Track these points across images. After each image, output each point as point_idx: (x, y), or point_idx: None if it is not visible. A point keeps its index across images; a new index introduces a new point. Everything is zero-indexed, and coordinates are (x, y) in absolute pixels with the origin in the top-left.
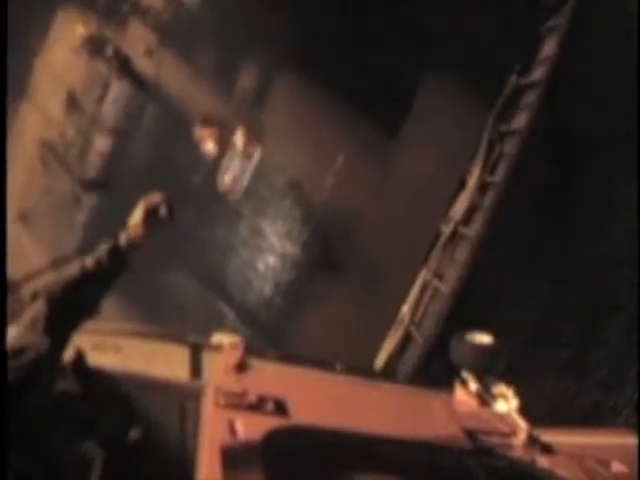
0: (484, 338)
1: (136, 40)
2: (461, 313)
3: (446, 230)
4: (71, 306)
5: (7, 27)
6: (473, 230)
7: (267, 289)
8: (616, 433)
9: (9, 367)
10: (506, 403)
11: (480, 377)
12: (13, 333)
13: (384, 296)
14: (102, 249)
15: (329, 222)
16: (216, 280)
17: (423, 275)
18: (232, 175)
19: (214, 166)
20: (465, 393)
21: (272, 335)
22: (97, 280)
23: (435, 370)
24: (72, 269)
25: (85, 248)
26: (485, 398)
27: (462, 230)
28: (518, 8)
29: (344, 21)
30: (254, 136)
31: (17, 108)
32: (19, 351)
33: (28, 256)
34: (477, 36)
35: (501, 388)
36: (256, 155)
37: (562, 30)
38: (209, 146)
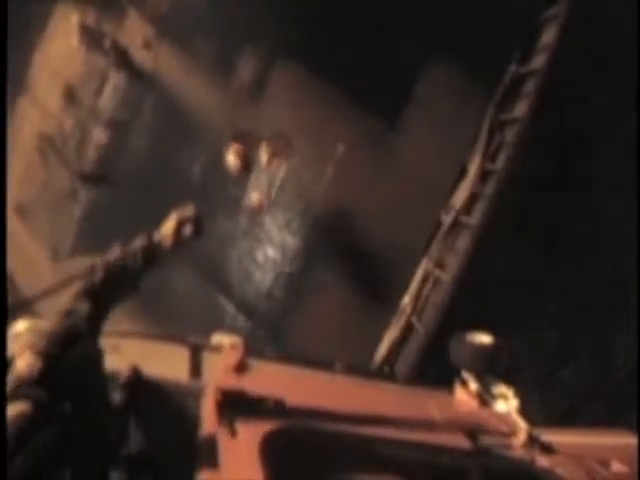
0: (484, 338)
1: (134, 32)
2: (462, 303)
3: (447, 219)
4: (111, 283)
5: (7, 21)
6: (474, 219)
7: (267, 281)
8: (616, 433)
9: (61, 322)
10: (506, 403)
11: (480, 377)
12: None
13: (385, 286)
14: (137, 244)
15: (329, 212)
16: (215, 272)
17: (424, 265)
18: (258, 192)
19: (239, 184)
20: (465, 393)
21: (272, 327)
22: (130, 269)
23: (435, 363)
24: (114, 254)
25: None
26: (485, 398)
27: (463, 219)
28: None
29: (343, 10)
30: (280, 150)
31: (15, 101)
32: (68, 313)
33: (27, 251)
34: (477, 24)
35: (501, 388)
36: (282, 170)
37: (561, 19)
38: (234, 163)
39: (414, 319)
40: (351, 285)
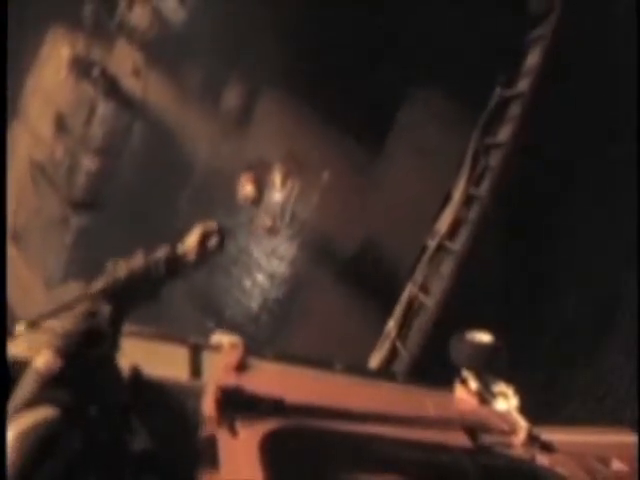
0: (484, 337)
1: (123, 60)
2: (446, 328)
3: (432, 244)
4: (131, 289)
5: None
6: (458, 244)
7: (254, 306)
8: (616, 431)
9: (82, 322)
10: (506, 401)
11: (480, 376)
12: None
13: (371, 310)
14: (161, 254)
15: (316, 239)
16: (204, 297)
17: (409, 289)
18: (272, 215)
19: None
20: (465, 392)
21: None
22: (152, 278)
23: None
24: (137, 261)
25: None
26: (485, 397)
27: (447, 244)
28: (503, 19)
29: (327, 39)
30: (292, 170)
31: (9, 127)
32: (89, 314)
33: (20, 276)
34: (461, 49)
35: (501, 387)
36: (296, 191)
37: (546, 41)
38: (248, 189)
39: (398, 343)
40: (337, 309)
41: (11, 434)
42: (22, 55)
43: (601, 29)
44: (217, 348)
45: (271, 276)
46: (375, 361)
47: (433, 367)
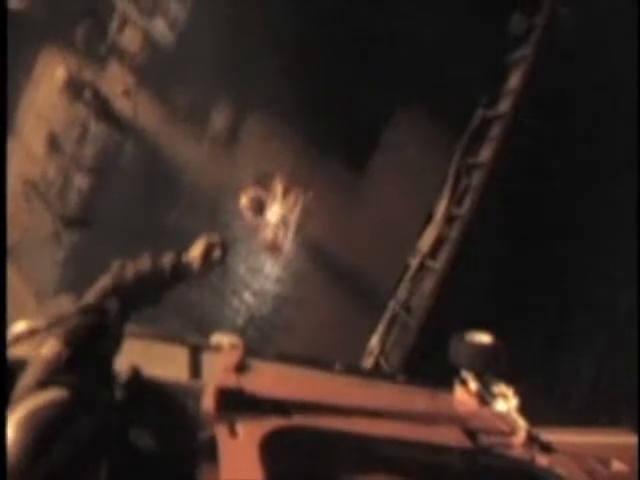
0: (484, 337)
1: (114, 81)
2: (427, 345)
3: (414, 263)
4: (137, 290)
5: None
6: (439, 263)
7: (240, 321)
8: (616, 432)
9: (89, 316)
10: (506, 402)
11: (480, 376)
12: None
13: (355, 327)
14: (167, 259)
15: (299, 257)
16: (191, 313)
17: (392, 307)
18: (273, 230)
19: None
20: (465, 393)
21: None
22: (157, 282)
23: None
24: (144, 263)
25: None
26: (485, 397)
27: (429, 263)
28: (485, 39)
29: (311, 59)
30: (295, 182)
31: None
32: (97, 309)
33: (13, 291)
34: (444, 69)
35: (501, 387)
36: (300, 204)
37: (528, 61)
38: (251, 207)
39: (382, 360)
40: (321, 326)
41: (19, 414)
42: (16, 75)
43: (584, 48)
44: (217, 349)
45: (256, 293)
46: None
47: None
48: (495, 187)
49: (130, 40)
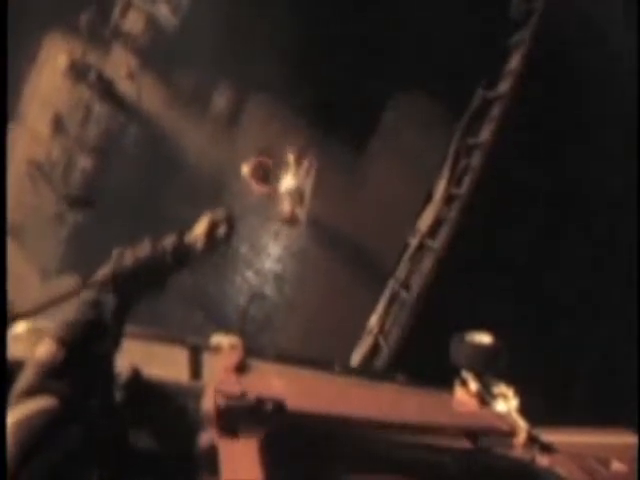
0: (484, 338)
1: (118, 64)
2: (425, 323)
3: (413, 242)
4: (137, 279)
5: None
6: (438, 242)
7: (242, 300)
8: (616, 432)
9: (86, 312)
10: (506, 403)
11: (480, 376)
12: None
13: (355, 306)
14: (168, 243)
15: (300, 237)
16: (194, 292)
17: (391, 286)
18: (289, 203)
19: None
20: (465, 393)
21: (246, 345)
22: (159, 268)
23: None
24: (144, 250)
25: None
26: (485, 398)
27: (428, 242)
28: (486, 23)
29: (312, 42)
30: (307, 151)
31: (9, 130)
32: (94, 303)
33: (17, 269)
34: (445, 51)
35: (501, 388)
36: (313, 172)
37: (527, 44)
38: (252, 174)
39: (380, 338)
40: (321, 305)
41: (8, 422)
42: (21, 60)
43: (582, 32)
44: (217, 349)
45: (258, 272)
46: (358, 355)
47: (412, 361)
48: (494, 167)
49: (133, 24)
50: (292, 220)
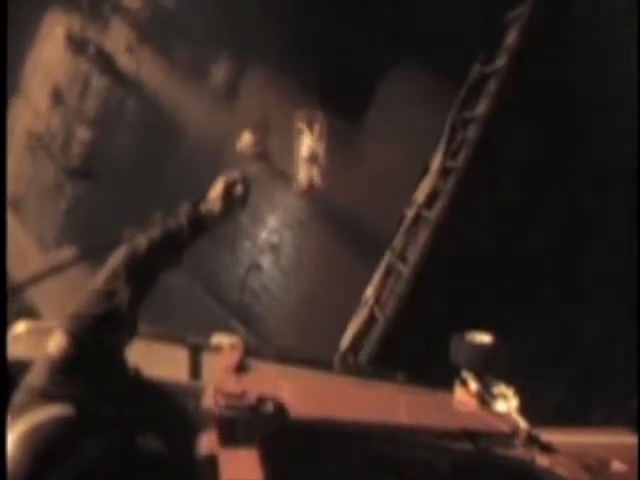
0: (484, 338)
1: (117, 38)
2: (422, 295)
3: (409, 214)
4: (153, 261)
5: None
6: (434, 213)
7: (241, 272)
8: (616, 432)
9: (99, 303)
10: (506, 403)
11: (480, 376)
12: (99, 276)
13: (351, 278)
14: (182, 216)
15: (298, 209)
16: (193, 266)
17: (387, 258)
18: (306, 171)
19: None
20: (465, 393)
21: (244, 316)
22: (176, 242)
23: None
24: (157, 227)
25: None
26: (485, 398)
27: (424, 213)
28: None
29: (309, 13)
30: (315, 118)
31: (10, 102)
32: (107, 294)
33: (16, 240)
34: (442, 24)
35: (501, 388)
36: (324, 139)
37: (524, 19)
38: (249, 145)
39: (376, 310)
40: (317, 277)
41: (20, 429)
42: (22, 36)
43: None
44: (217, 349)
45: (255, 243)
46: (354, 326)
47: (407, 333)
48: (490, 140)
49: None
50: (310, 189)
